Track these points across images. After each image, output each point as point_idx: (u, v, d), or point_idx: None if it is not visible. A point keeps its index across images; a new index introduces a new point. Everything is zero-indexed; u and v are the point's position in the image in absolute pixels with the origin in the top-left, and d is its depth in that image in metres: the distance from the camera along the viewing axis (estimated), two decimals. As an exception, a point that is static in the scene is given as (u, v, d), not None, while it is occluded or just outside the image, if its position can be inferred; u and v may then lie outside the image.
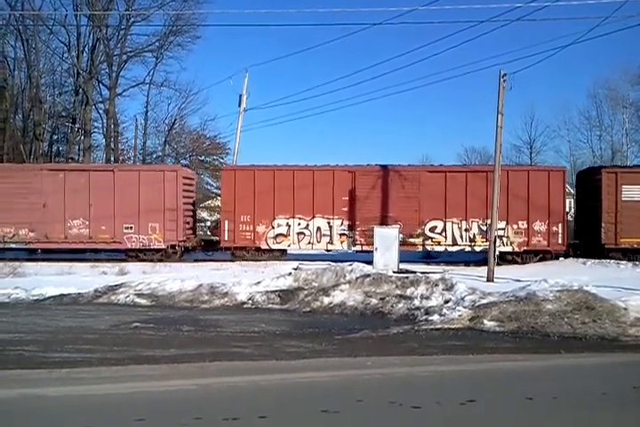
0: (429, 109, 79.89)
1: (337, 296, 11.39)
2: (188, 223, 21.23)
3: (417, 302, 10.75)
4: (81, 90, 37.43)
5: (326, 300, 11.34)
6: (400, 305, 10.79)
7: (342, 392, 6.13)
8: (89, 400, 5.72)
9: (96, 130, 39.87)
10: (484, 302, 10.25)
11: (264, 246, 19.82)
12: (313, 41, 69.80)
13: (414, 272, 13.35)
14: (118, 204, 20.08)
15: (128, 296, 11.95)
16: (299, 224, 19.82)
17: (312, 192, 19.61)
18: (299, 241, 19.81)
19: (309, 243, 19.79)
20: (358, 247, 19.51)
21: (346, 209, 19.64)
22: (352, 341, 8.69)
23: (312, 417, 5.17)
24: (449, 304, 10.37)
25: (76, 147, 39.30)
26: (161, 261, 19.66)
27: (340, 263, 13.19)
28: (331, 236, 19.71)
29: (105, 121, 39.02)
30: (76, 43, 37.75)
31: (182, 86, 40.01)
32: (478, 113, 76.69)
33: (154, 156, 39.76)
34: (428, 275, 12.18)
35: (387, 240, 16.81)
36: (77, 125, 37.80)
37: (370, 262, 15.31)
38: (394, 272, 13.51)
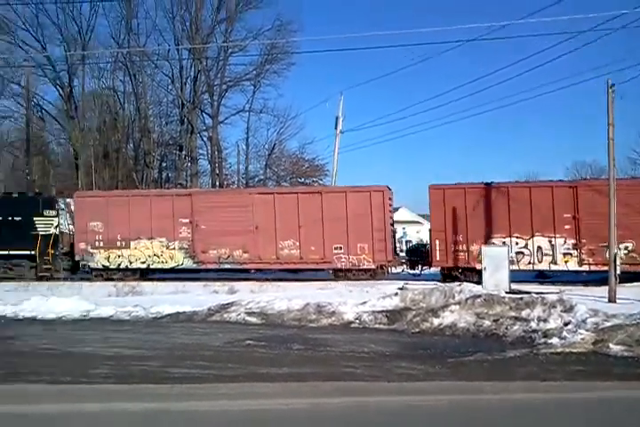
0: (533, 125, 77.41)
1: (447, 317, 11.08)
2: (392, 243, 21.22)
3: (534, 325, 10.23)
4: (186, 119, 39.40)
5: (436, 321, 11.06)
6: (515, 327, 10.32)
7: (460, 418, 5.90)
8: (208, 416, 5.86)
9: (201, 156, 41.73)
10: (608, 324, 9.59)
11: (478, 266, 18.22)
12: (406, 60, 69.86)
13: (528, 293, 12.76)
14: (327, 225, 20.36)
15: (239, 314, 12.24)
16: (517, 243, 18.99)
17: (530, 210, 18.67)
18: (517, 261, 18.68)
19: (530, 263, 18.90)
20: (586, 267, 18.48)
21: (569, 227, 18.62)
22: (466, 364, 8.36)
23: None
24: (569, 327, 9.78)
25: (184, 173, 41.26)
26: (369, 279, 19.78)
27: (448, 283, 12.85)
28: (553, 255, 18.80)
29: (209, 148, 40.78)
30: (179, 75, 39.91)
31: (280, 112, 41.16)
32: (588, 126, 73.25)
33: (256, 179, 40.96)
34: (544, 296, 11.59)
35: (496, 259, 16.23)
36: (184, 153, 39.75)
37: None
38: (505, 293, 12.98)
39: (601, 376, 7.56)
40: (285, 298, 13.12)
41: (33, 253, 22.07)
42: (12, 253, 22.30)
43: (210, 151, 40.82)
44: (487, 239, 18.89)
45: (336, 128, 32.80)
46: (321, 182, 39.24)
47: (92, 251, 22.04)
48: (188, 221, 21.41)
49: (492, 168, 75.70)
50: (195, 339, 10.19)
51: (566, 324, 9.95)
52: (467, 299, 11.58)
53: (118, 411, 5.87)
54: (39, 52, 38.18)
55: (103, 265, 21.88)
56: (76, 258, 22.18)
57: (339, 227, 20.16)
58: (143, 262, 21.70)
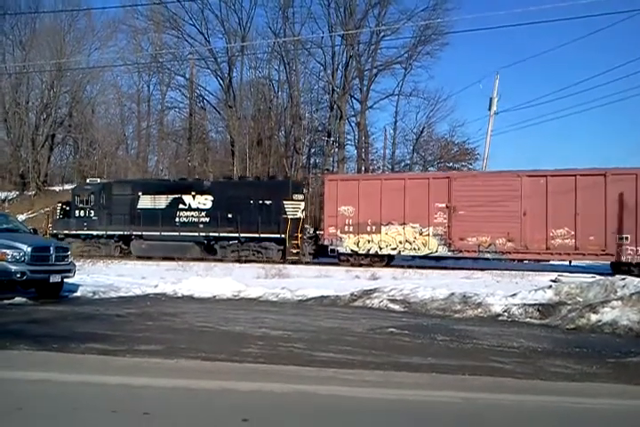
0: None
1: (607, 314, 10.23)
2: None
3: None
4: (335, 105, 39.97)
5: (594, 317, 10.25)
6: (687, 328, 9.29)
7: (621, 423, 5.42)
8: (355, 403, 5.88)
9: (349, 142, 42.28)
10: None
11: None
12: (564, 38, 65.02)
13: None
14: (610, 211, 18.65)
15: (382, 301, 12.25)
16: None
17: None
18: None
19: None
20: None
21: None
22: (629, 365, 7.67)
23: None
24: None
25: (331, 159, 42.03)
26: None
27: (609, 277, 11.87)
28: None
29: (356, 133, 41.16)
30: (331, 61, 40.55)
31: (430, 94, 40.53)
32: None
33: (402, 164, 40.71)
34: None
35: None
36: (332, 139, 40.44)
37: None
38: (677, 290, 11.72)
39: None
40: (429, 287, 12.91)
41: (282, 236, 22.87)
42: (262, 235, 23.33)
43: (357, 137, 41.18)
44: None
45: (490, 109, 31.55)
46: (470, 167, 38.03)
47: (341, 235, 22.06)
48: (444, 205, 20.66)
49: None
50: (338, 323, 10.34)
51: None
52: (631, 294, 10.60)
53: (267, 391, 6.10)
54: (203, 45, 40.80)
55: (352, 250, 21.85)
56: (325, 242, 22.52)
57: (624, 214, 18.34)
58: (394, 249, 21.36)
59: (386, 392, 6.21)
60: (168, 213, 25.13)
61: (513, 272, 18.03)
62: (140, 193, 26.26)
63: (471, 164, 39.53)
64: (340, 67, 40.57)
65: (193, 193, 25.10)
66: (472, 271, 18.56)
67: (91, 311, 11.34)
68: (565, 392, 6.46)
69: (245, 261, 22.90)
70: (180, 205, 25.22)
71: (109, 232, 26.38)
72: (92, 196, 26.85)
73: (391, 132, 41.37)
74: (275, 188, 23.99)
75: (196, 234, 24.67)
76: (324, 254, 23.03)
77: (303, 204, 23.98)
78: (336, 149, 40.86)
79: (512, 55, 66.87)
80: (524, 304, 11.24)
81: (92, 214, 26.67)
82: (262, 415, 5.25)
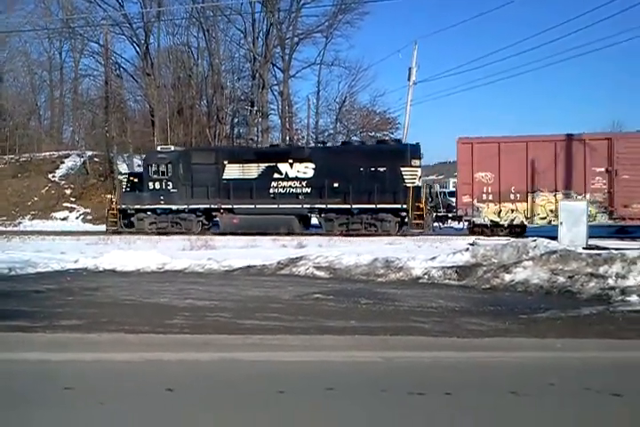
0: (617, 72, 72.64)
1: (519, 273, 10.82)
2: None
3: (611, 282, 9.84)
4: (257, 74, 39.44)
5: (507, 277, 10.83)
6: (591, 284, 9.96)
7: (532, 375, 5.78)
8: (280, 366, 6.01)
9: (272, 112, 41.96)
10: (693, 282, 9.11)
11: None
12: (484, 6, 66.45)
13: (607, 249, 12.26)
14: None
15: (308, 269, 12.42)
16: None
17: None
18: None
19: None
20: None
21: None
22: (539, 321, 8.17)
23: (501, 398, 4.95)
24: (650, 284, 9.36)
25: (255, 129, 41.62)
26: None
27: (521, 239, 12.51)
28: None
29: (280, 103, 40.86)
30: (252, 29, 39.80)
31: (352, 64, 40.65)
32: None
33: (326, 134, 40.87)
34: (623, 252, 11.10)
35: (574, 214, 15.64)
36: (255, 108, 39.97)
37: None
38: (582, 249, 12.53)
39: (681, 336, 7.24)
40: (354, 253, 13.18)
41: (404, 206, 20.85)
42: (378, 206, 21.15)
43: (280, 106, 40.90)
44: None
45: (409, 79, 31.96)
46: (392, 136, 38.68)
47: (478, 205, 19.91)
48: (603, 169, 18.69)
49: (577, 117, 72.00)
50: (265, 292, 10.43)
51: (647, 281, 9.53)
52: (541, 255, 11.24)
53: (192, 360, 6.13)
54: (117, 10, 39.00)
55: (492, 221, 19.81)
56: (458, 213, 20.54)
57: None
58: (543, 218, 19.38)
59: (310, 355, 6.38)
60: (261, 184, 22.91)
61: (433, 237, 18.65)
62: (225, 161, 23.66)
63: (392, 133, 40.24)
64: (261, 35, 39.99)
65: (290, 161, 22.71)
66: (395, 237, 19.05)
67: (6, 288, 10.88)
68: (480, 348, 6.84)
69: (357, 235, 20.68)
70: (275, 175, 22.95)
71: (192, 206, 23.85)
72: (170, 165, 23.99)
73: (314, 101, 41.37)
74: (390, 153, 21.67)
75: (299, 206, 22.51)
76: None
77: (420, 170, 21.88)
78: (260, 119, 40.48)
79: (432, 25, 67.81)
80: (443, 267, 11.69)
81: (171, 186, 24.00)
82: (187, 384, 5.28)
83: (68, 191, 38.95)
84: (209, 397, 4.95)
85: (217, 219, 24.48)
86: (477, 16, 68.18)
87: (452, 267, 11.68)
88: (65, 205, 38.04)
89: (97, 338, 7.10)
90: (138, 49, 40.50)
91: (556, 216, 17.91)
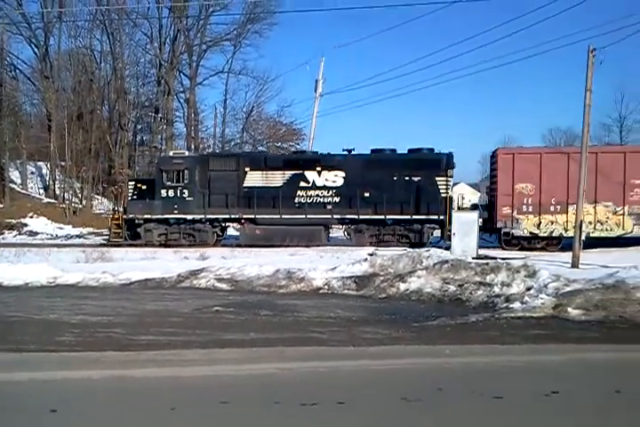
0: (511, 90, 77.31)
1: (413, 283, 11.27)
2: None
3: (497, 290, 10.47)
4: (163, 80, 38.69)
5: (402, 286, 11.24)
6: (479, 292, 10.55)
7: (422, 380, 6.06)
8: (175, 382, 5.93)
9: (177, 119, 41.25)
10: (568, 289, 9.86)
11: None
12: (391, 22, 68.77)
13: (494, 258, 13.02)
14: None
15: (209, 281, 12.30)
16: None
17: None
18: None
19: None
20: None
21: None
22: (430, 328, 8.57)
23: (392, 404, 5.15)
24: (531, 292, 10.03)
25: (159, 136, 40.71)
26: None
27: (416, 249, 13.02)
28: None
29: (186, 110, 40.24)
30: (158, 34, 39.08)
31: (260, 74, 40.79)
32: (564, 91, 73.50)
33: (232, 143, 40.65)
34: (509, 261, 11.83)
35: (465, 225, 16.44)
36: (160, 115, 39.16)
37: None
38: (473, 258, 13.22)
39: (558, 340, 7.82)
40: (256, 264, 13.20)
41: (441, 218, 19.93)
42: (414, 217, 20.39)
43: (186, 114, 40.32)
44: None
45: (315, 91, 32.52)
46: (298, 147, 39.04)
47: (517, 216, 19.36)
48: None
49: (472, 132, 75.81)
50: (163, 305, 10.24)
51: (528, 289, 10.21)
52: (434, 264, 11.77)
53: (82, 378, 5.93)
54: (14, 8, 37.00)
55: (531, 233, 19.35)
56: (498, 225, 19.64)
57: None
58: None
59: (206, 369, 6.35)
60: (286, 193, 21.37)
61: (335, 248, 18.97)
62: (247, 168, 22.02)
63: (298, 144, 40.68)
64: (168, 40, 39.29)
65: (318, 169, 21.44)
66: (298, 248, 19.18)
67: None
68: (374, 356, 7.07)
69: (386, 246, 19.82)
70: (302, 183, 21.52)
71: (209, 215, 22.03)
72: (186, 171, 22.11)
73: (221, 110, 41.13)
74: (425, 162, 20.75)
75: (328, 216, 21.18)
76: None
77: (452, 180, 21.17)
78: (164, 126, 39.68)
79: (340, 38, 69.29)
80: (343, 277, 11.96)
81: (187, 194, 22.06)
82: (73, 403, 5.11)
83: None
84: (97, 415, 4.82)
85: (235, 230, 23.22)
86: (379, 32, 70.22)
87: (352, 277, 11.97)
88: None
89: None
90: (36, 50, 38.66)
91: (596, 228, 18.72)
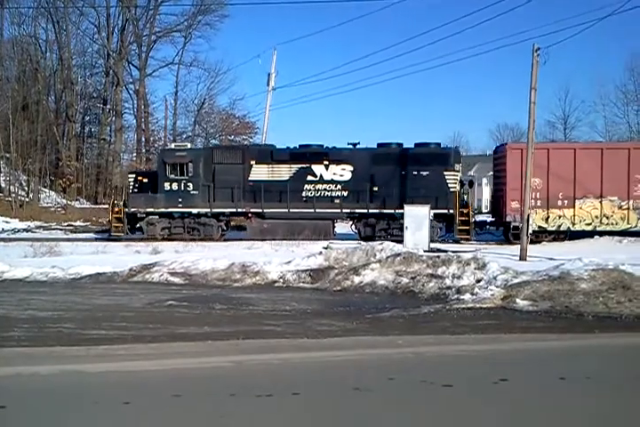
0: (460, 86, 78.78)
1: (367, 275, 11.41)
2: None
3: (448, 282, 10.70)
4: (111, 71, 37.83)
5: (357, 279, 11.37)
6: (431, 284, 10.76)
7: (374, 371, 6.17)
8: (127, 377, 5.87)
9: (127, 111, 40.39)
10: (516, 281, 10.16)
11: None
12: (344, 16, 69.01)
13: (446, 251, 13.28)
14: None
15: (162, 275, 12.15)
16: None
17: None
18: None
19: None
20: None
21: None
22: (383, 320, 8.71)
23: (344, 395, 5.23)
24: (481, 283, 10.30)
25: (108, 128, 39.81)
26: None
27: (370, 242, 13.16)
28: None
29: (135, 102, 39.45)
30: (106, 24, 38.11)
31: (211, 66, 40.26)
32: (511, 88, 75.42)
33: (184, 136, 40.05)
34: (459, 254, 12.10)
35: (417, 219, 16.69)
36: (108, 106, 38.29)
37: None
38: (425, 251, 13.46)
39: (506, 329, 8.07)
40: (210, 258, 13.10)
41: (451, 212, 19.71)
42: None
43: (136, 105, 39.56)
44: None
45: (268, 85, 32.33)
46: (251, 141, 38.77)
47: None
48: None
49: (421, 127, 76.95)
50: (115, 300, 10.08)
51: (478, 280, 10.48)
52: (387, 257, 11.94)
53: (30, 374, 5.80)
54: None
55: (539, 226, 19.12)
56: (507, 219, 19.40)
57: None
58: (588, 224, 19.19)
59: (159, 363, 6.29)
60: (293, 187, 20.90)
61: (290, 242, 18.99)
62: (252, 162, 21.43)
63: (251, 137, 40.38)
64: (117, 30, 38.43)
65: (326, 162, 21.03)
66: (253, 242, 19.09)
67: None
68: (328, 347, 7.16)
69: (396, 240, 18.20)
70: (309, 177, 21.09)
71: (215, 209, 21.42)
72: (190, 164, 21.46)
73: (172, 102, 40.43)
74: (434, 156, 20.51)
75: (337, 211, 20.76)
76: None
77: (459, 174, 20.92)
78: (113, 118, 38.80)
79: (293, 32, 69.11)
80: (298, 270, 12.00)
81: (191, 188, 21.40)
82: (21, 400, 5.00)
83: None
84: (47, 411, 4.72)
85: (242, 224, 22.65)
86: (334, 27, 70.40)
87: (307, 270, 12.02)
88: None
89: None
90: (-23, 38, 37.24)
91: (602, 222, 19.07)
